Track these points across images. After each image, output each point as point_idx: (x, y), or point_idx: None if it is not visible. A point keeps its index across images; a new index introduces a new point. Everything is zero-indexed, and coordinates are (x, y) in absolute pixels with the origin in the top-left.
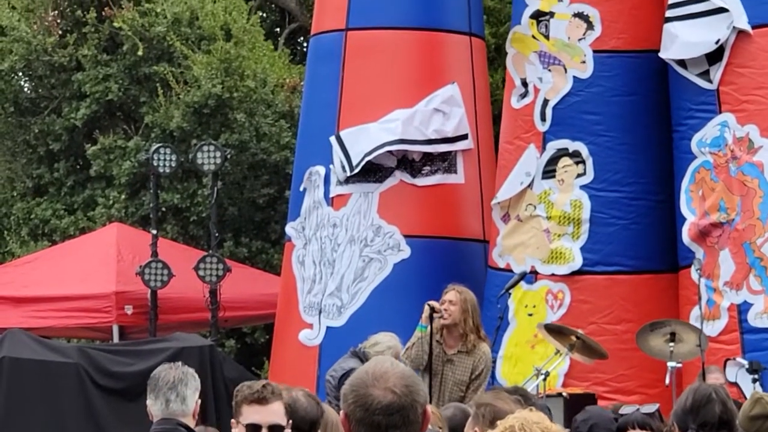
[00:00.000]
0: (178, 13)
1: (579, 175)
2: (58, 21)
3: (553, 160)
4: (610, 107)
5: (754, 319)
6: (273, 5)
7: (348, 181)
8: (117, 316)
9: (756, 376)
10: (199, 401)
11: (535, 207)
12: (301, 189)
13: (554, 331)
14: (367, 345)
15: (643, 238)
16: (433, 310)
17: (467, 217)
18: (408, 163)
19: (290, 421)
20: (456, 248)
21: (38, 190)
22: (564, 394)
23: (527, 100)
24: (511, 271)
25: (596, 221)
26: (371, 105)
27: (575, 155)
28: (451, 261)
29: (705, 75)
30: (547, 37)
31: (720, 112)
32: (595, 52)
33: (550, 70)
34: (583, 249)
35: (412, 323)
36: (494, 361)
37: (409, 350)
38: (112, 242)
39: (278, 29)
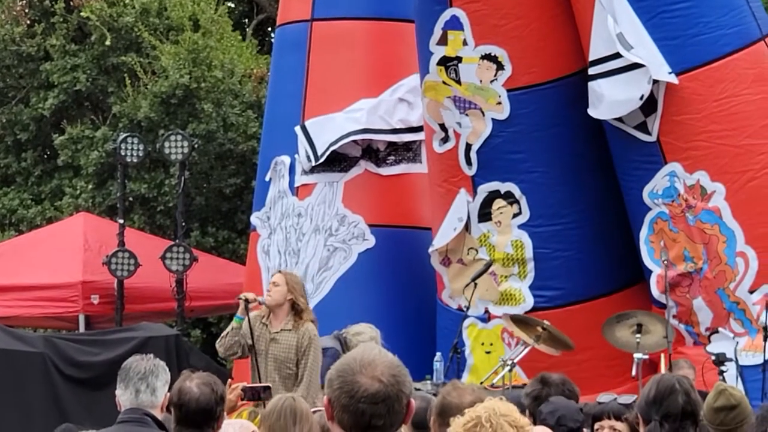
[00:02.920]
0: (146, 3)
1: (515, 215)
2: (26, 11)
3: (487, 203)
4: (534, 143)
5: (738, 357)
6: None
7: (313, 170)
8: (83, 305)
9: (723, 368)
10: (168, 395)
11: (477, 251)
12: (267, 179)
13: (520, 322)
14: (350, 332)
15: (590, 265)
16: (247, 301)
17: None
18: (373, 153)
19: None
20: (420, 237)
21: (5, 180)
22: None
23: (449, 145)
24: (463, 310)
25: (540, 257)
26: (336, 95)
27: (508, 196)
28: (415, 250)
29: (642, 127)
30: (458, 81)
31: (666, 163)
32: (509, 91)
33: (467, 115)
34: (532, 287)
35: (377, 312)
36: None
37: (223, 339)
38: (78, 232)
39: (246, 20)
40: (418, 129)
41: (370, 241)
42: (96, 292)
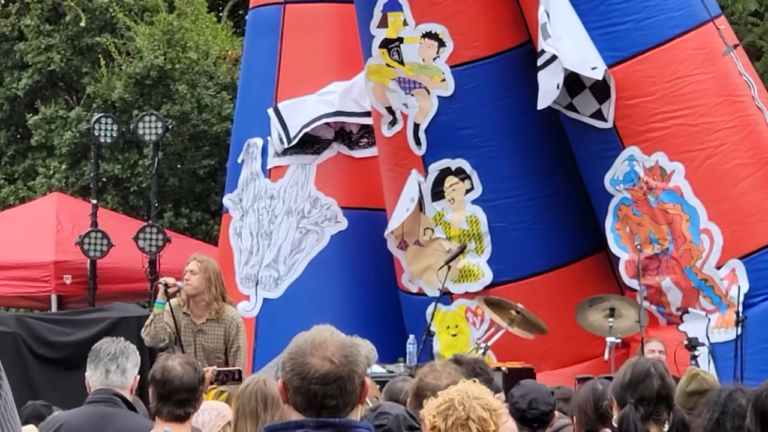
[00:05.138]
0: None
1: (468, 191)
2: None
3: (439, 181)
4: (482, 117)
5: (709, 334)
6: None
7: (285, 152)
8: (56, 285)
9: (695, 353)
10: (138, 377)
11: (432, 230)
12: (239, 161)
13: (494, 304)
14: None
15: (548, 234)
16: (166, 286)
17: None
18: (345, 135)
19: None
20: None
21: None
22: (503, 368)
23: (398, 127)
24: (424, 294)
25: (497, 231)
26: (309, 77)
27: (459, 172)
28: None
29: (598, 115)
30: (401, 62)
31: (624, 147)
32: (452, 67)
33: (413, 95)
34: (490, 261)
35: (348, 295)
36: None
37: (148, 328)
38: (51, 212)
39: (221, 1)
40: None
41: (343, 224)
42: (68, 272)
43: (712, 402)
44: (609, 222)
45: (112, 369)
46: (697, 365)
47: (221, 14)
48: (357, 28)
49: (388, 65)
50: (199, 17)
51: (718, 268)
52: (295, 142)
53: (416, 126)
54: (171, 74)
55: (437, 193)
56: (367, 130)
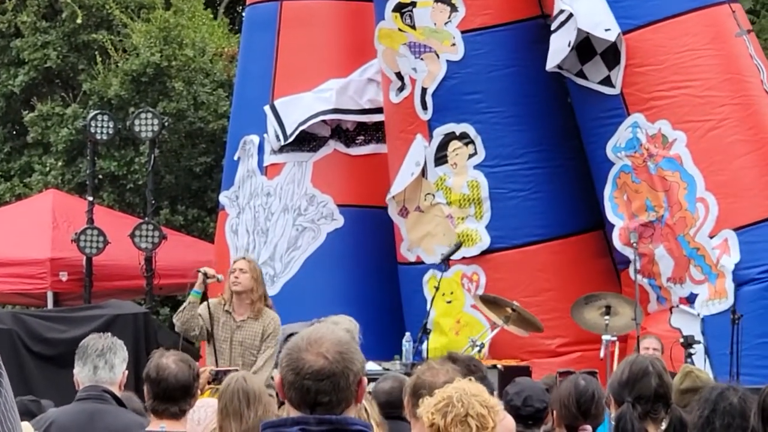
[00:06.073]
0: None
1: (471, 156)
2: None
3: (443, 146)
4: (489, 84)
5: (701, 308)
6: None
7: (282, 150)
8: (52, 282)
9: (691, 350)
10: (127, 372)
11: (433, 195)
12: (236, 158)
13: (489, 302)
14: (328, 322)
15: (546, 205)
16: (206, 275)
17: None
18: (342, 133)
19: None
20: (389, 218)
21: None
22: (499, 366)
23: (406, 93)
24: (422, 263)
25: (497, 198)
26: (306, 75)
27: (463, 137)
28: (383, 230)
29: (606, 81)
30: (413, 27)
31: (629, 114)
32: (463, 32)
33: (422, 59)
34: (488, 227)
35: (345, 292)
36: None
37: (180, 313)
38: (47, 209)
39: None
40: None
41: (339, 221)
42: (64, 269)
43: (703, 399)
44: (608, 190)
45: (100, 365)
46: (693, 363)
47: (218, 11)
48: (354, 26)
49: (399, 30)
50: (195, 14)
51: (711, 237)
52: (291, 139)
53: (424, 90)
54: (167, 71)
55: (440, 158)
56: (363, 128)
